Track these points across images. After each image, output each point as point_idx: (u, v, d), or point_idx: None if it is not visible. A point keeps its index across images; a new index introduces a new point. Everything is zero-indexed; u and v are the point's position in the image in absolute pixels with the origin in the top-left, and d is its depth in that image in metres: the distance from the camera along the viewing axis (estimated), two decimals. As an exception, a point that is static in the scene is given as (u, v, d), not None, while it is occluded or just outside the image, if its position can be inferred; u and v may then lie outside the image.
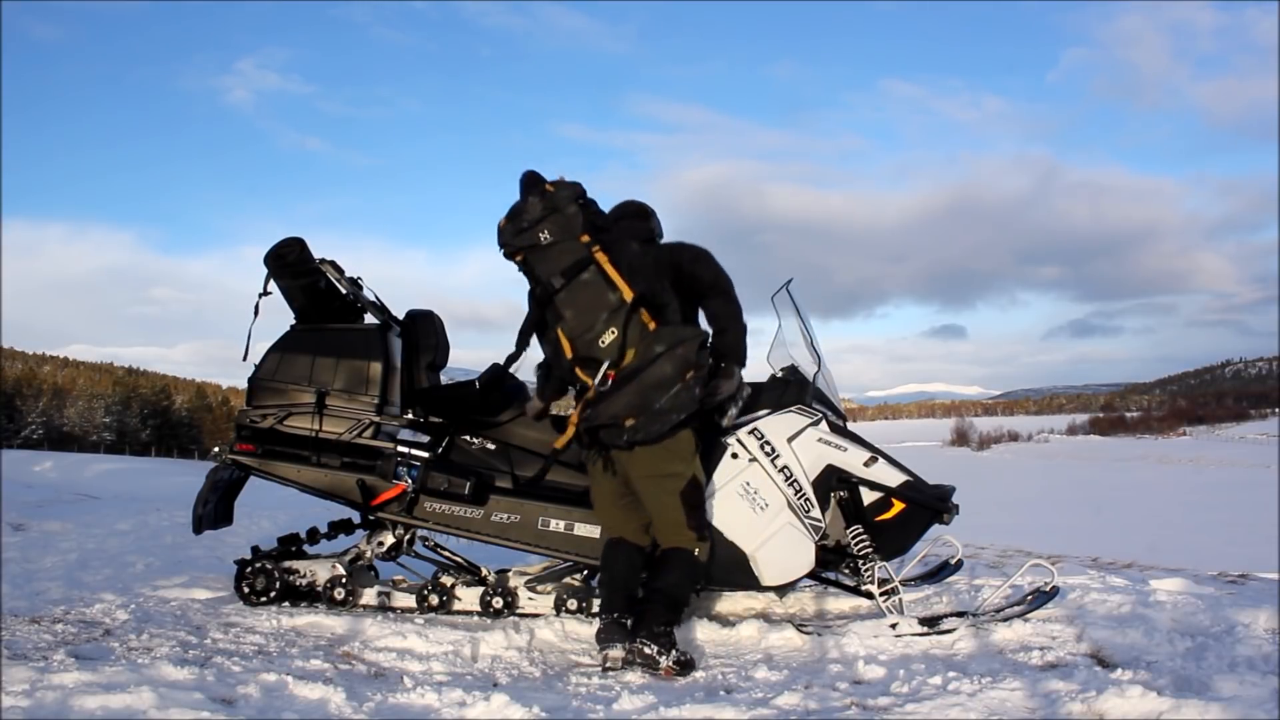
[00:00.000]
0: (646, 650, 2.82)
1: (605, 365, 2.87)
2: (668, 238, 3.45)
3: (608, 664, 2.88)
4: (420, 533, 3.86)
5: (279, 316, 3.86)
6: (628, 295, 2.86)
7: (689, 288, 3.11)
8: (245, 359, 3.82)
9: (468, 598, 3.66)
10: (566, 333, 2.92)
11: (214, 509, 3.81)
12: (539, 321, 3.01)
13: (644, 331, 2.87)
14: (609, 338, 2.86)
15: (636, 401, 2.83)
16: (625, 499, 3.12)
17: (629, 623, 2.94)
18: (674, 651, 2.85)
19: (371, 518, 3.81)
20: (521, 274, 3.02)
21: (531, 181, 2.96)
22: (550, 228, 2.89)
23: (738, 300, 3.16)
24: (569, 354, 2.92)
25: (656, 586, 3.00)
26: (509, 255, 2.99)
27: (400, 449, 3.65)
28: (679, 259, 3.13)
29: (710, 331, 3.14)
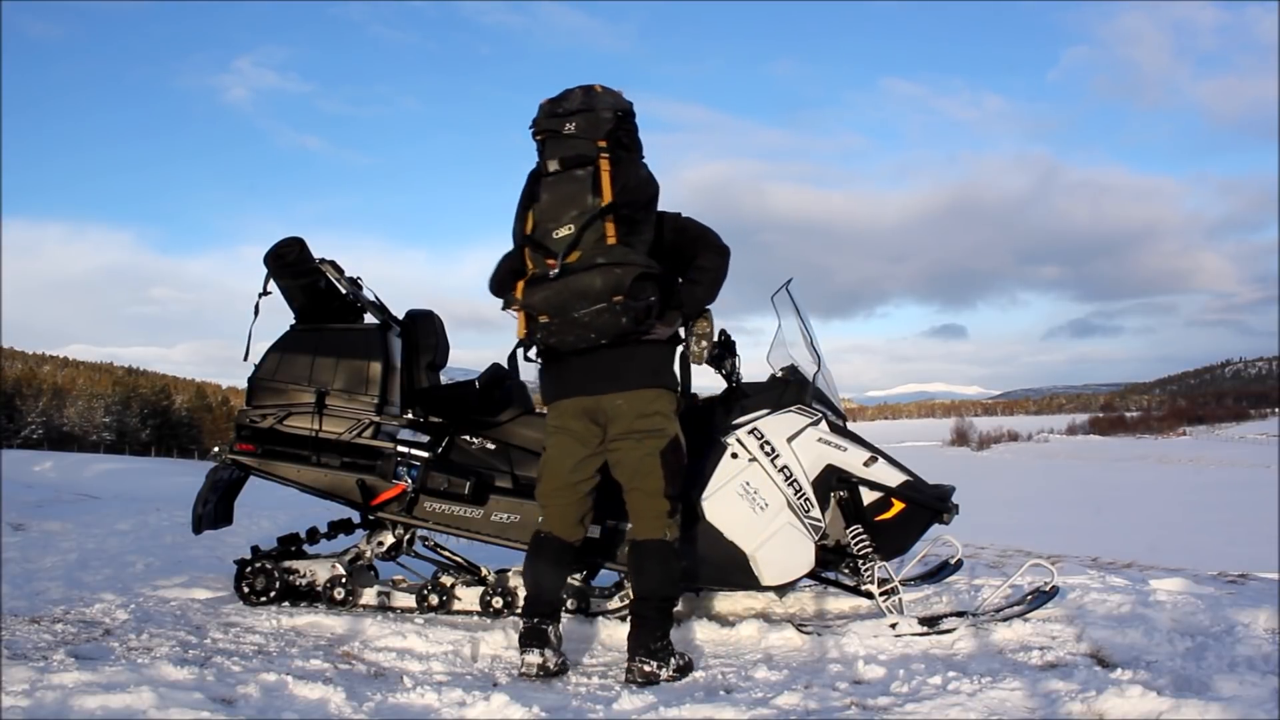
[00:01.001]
0: (645, 669, 2.77)
1: (553, 255, 2.81)
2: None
3: (523, 669, 2.82)
4: (420, 533, 3.86)
5: (279, 316, 3.87)
6: (605, 203, 2.81)
7: (690, 245, 3.04)
8: (245, 359, 3.83)
9: (468, 598, 3.66)
10: (535, 214, 2.89)
11: (214, 509, 3.81)
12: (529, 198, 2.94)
13: (599, 241, 2.80)
14: (564, 231, 2.82)
15: (556, 301, 2.79)
16: (579, 476, 2.98)
17: (549, 628, 2.88)
18: (672, 660, 2.82)
19: (371, 518, 3.81)
20: (537, 155, 3.00)
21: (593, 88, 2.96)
22: (578, 122, 2.89)
23: (726, 271, 3.08)
24: (527, 231, 2.89)
25: (642, 594, 2.89)
26: (535, 134, 3.00)
27: (400, 449, 3.66)
28: (690, 222, 3.08)
29: (670, 282, 2.99)
